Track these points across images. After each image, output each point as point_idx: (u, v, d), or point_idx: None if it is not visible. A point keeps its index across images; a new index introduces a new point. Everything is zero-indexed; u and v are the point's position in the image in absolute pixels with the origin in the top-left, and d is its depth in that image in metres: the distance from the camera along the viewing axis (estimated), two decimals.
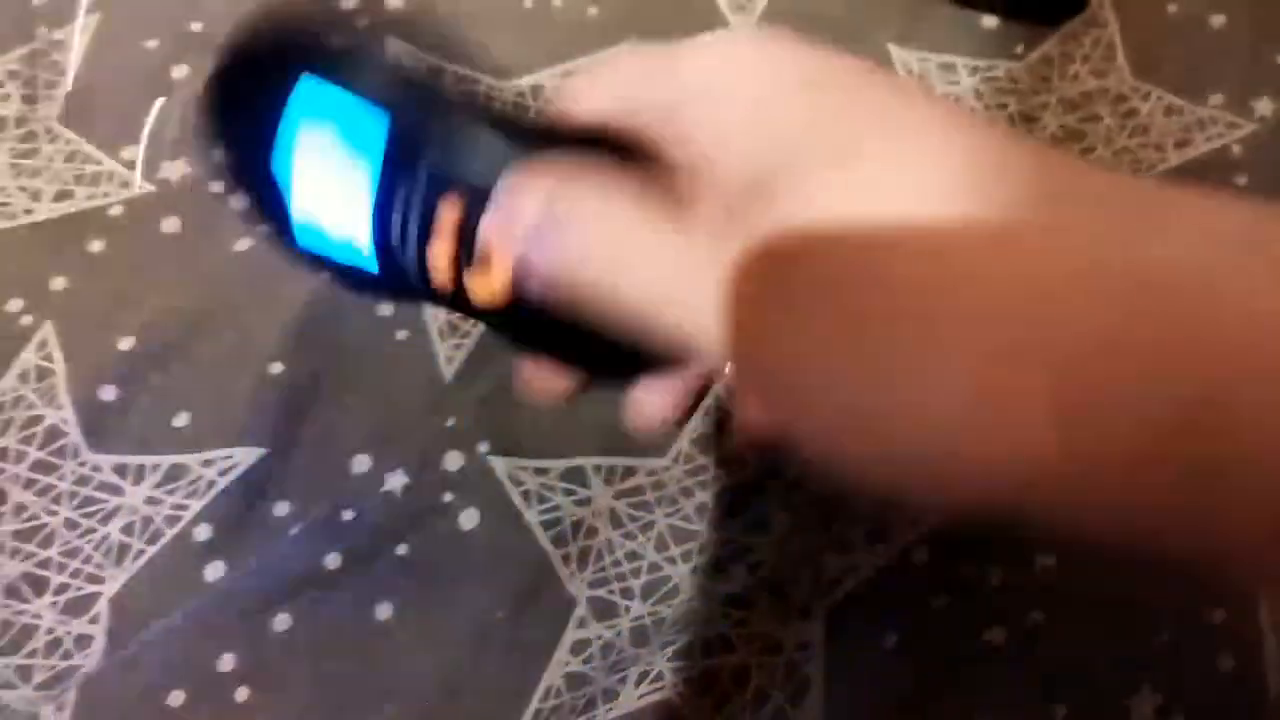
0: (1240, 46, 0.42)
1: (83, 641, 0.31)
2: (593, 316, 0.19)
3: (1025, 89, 0.41)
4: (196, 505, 0.33)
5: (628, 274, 0.18)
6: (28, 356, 0.35)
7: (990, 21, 0.43)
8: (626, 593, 0.33)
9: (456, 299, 0.21)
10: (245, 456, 0.34)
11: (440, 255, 0.22)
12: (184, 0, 0.42)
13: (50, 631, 0.31)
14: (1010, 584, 0.33)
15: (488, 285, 0.21)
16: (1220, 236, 0.15)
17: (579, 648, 0.32)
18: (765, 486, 0.34)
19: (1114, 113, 0.40)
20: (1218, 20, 0.42)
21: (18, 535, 0.33)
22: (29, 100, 0.40)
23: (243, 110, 0.23)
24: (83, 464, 0.33)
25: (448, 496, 0.34)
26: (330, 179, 0.22)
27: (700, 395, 0.25)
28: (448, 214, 0.21)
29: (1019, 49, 0.42)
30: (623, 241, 0.18)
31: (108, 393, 0.34)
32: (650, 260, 0.18)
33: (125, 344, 0.35)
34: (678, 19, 0.42)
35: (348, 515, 0.33)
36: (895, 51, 0.42)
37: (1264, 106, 0.40)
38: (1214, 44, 0.42)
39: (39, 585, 0.32)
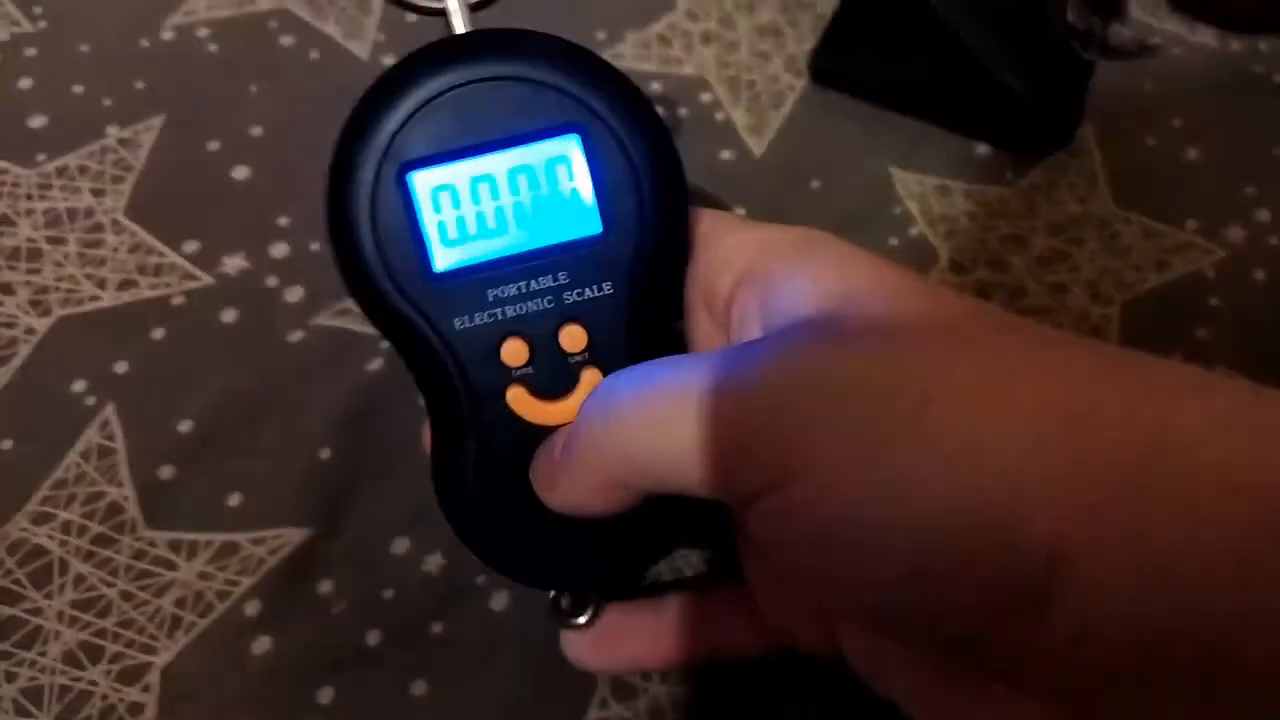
0: (1212, 178, 0.46)
1: (135, 709, 0.33)
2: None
3: (1014, 212, 0.45)
4: (247, 581, 0.35)
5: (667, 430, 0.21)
6: (90, 435, 0.37)
7: (983, 149, 0.47)
8: (645, 675, 0.35)
9: None
10: (293, 536, 0.36)
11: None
12: (245, 107, 0.45)
13: (104, 698, 0.33)
14: None
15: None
16: None
17: None
18: None
19: (1097, 236, 0.44)
20: (1192, 153, 0.46)
21: (76, 605, 0.35)
22: (97, 193, 0.43)
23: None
24: (140, 539, 0.36)
25: (480, 579, 0.36)
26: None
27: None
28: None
29: (1009, 175, 0.46)
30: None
31: (166, 472, 0.37)
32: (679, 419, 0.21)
33: (184, 426, 0.37)
34: (698, 131, 0.46)
35: (388, 594, 0.35)
36: (896, 173, 0.46)
37: (1235, 234, 0.44)
38: (1189, 175, 0.46)
39: (95, 654, 0.34)
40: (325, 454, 0.37)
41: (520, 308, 0.24)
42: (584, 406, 0.23)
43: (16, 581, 0.35)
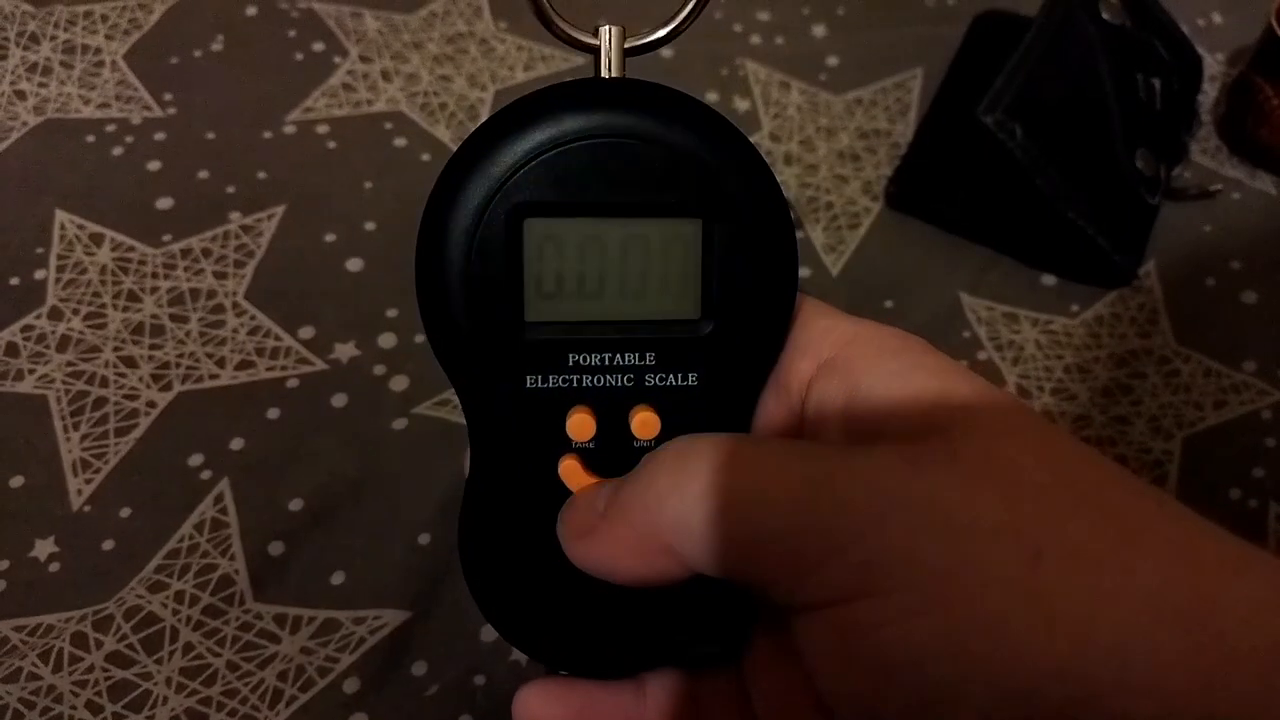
0: (1270, 321, 0.48)
1: None
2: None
3: (1079, 343, 0.47)
4: (346, 659, 0.37)
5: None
6: (205, 508, 0.40)
7: (1050, 280, 0.49)
8: None
9: None
10: (392, 618, 0.38)
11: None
12: (360, 202, 0.48)
13: None
14: None
15: None
16: None
17: None
18: None
19: (1158, 371, 0.46)
20: (1249, 296, 0.49)
21: (184, 672, 0.36)
22: (219, 276, 0.46)
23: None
24: (247, 611, 0.38)
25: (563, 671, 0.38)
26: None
27: None
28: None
29: (1074, 308, 0.48)
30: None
31: (276, 548, 0.39)
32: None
33: (294, 505, 0.40)
34: None
35: (479, 680, 0.37)
36: (965, 298, 0.48)
37: None
38: (1247, 316, 0.48)
39: None
40: (424, 539, 0.39)
41: (598, 379, 0.23)
42: (655, 460, 0.20)
43: (130, 646, 0.37)
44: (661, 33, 0.23)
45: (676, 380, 0.23)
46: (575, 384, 0.23)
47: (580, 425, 0.23)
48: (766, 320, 0.23)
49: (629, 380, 0.23)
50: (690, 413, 0.23)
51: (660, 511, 0.19)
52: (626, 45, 0.23)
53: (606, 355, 0.23)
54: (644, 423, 0.23)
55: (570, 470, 0.23)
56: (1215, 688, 0.15)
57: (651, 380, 0.23)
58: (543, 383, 0.23)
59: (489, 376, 0.22)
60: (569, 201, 0.22)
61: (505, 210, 0.21)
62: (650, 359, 0.23)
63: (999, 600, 0.16)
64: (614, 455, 0.23)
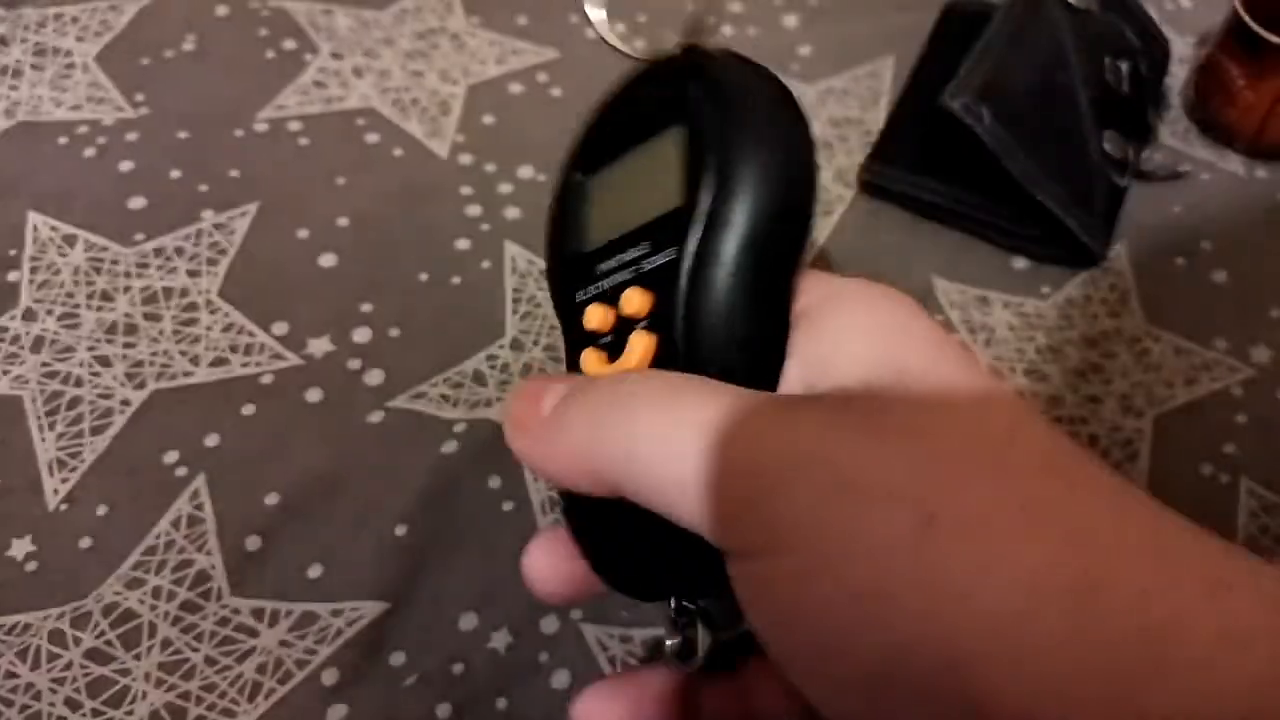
0: (1239, 300, 0.48)
1: None
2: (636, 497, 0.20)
3: (1051, 324, 0.47)
4: (325, 651, 0.37)
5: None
6: (181, 505, 0.40)
7: (1021, 263, 0.49)
8: None
9: None
10: (369, 609, 0.38)
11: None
12: (333, 198, 0.49)
13: None
14: None
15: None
16: None
17: None
18: None
19: (1129, 351, 0.47)
20: (1219, 276, 0.49)
21: (163, 667, 0.37)
22: (192, 274, 0.46)
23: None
24: (224, 606, 0.38)
25: (544, 656, 0.38)
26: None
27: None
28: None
29: (1045, 289, 0.49)
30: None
31: (253, 543, 0.39)
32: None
33: (271, 500, 0.40)
34: None
35: (457, 669, 0.37)
36: (938, 282, 0.49)
37: (1260, 354, 0.47)
38: (1217, 296, 0.49)
39: (179, 715, 0.36)
40: (401, 531, 0.40)
41: (613, 280, 0.25)
42: (601, 384, 0.21)
43: (108, 642, 0.37)
44: None
45: (661, 259, 0.24)
46: (600, 288, 0.26)
47: (593, 317, 0.25)
48: (750, 193, 0.23)
49: (631, 272, 0.25)
50: (675, 287, 0.23)
51: (594, 442, 0.20)
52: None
53: (617, 258, 0.25)
54: (629, 301, 0.24)
55: (587, 360, 0.25)
56: (1089, 670, 0.15)
57: (646, 266, 0.24)
58: (582, 293, 0.26)
59: (562, 301, 0.27)
60: (609, 154, 0.27)
61: (564, 175, 0.28)
62: (645, 247, 0.24)
63: (885, 565, 0.17)
64: (620, 340, 0.25)
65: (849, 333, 0.21)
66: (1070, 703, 0.15)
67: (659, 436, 0.19)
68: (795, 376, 0.21)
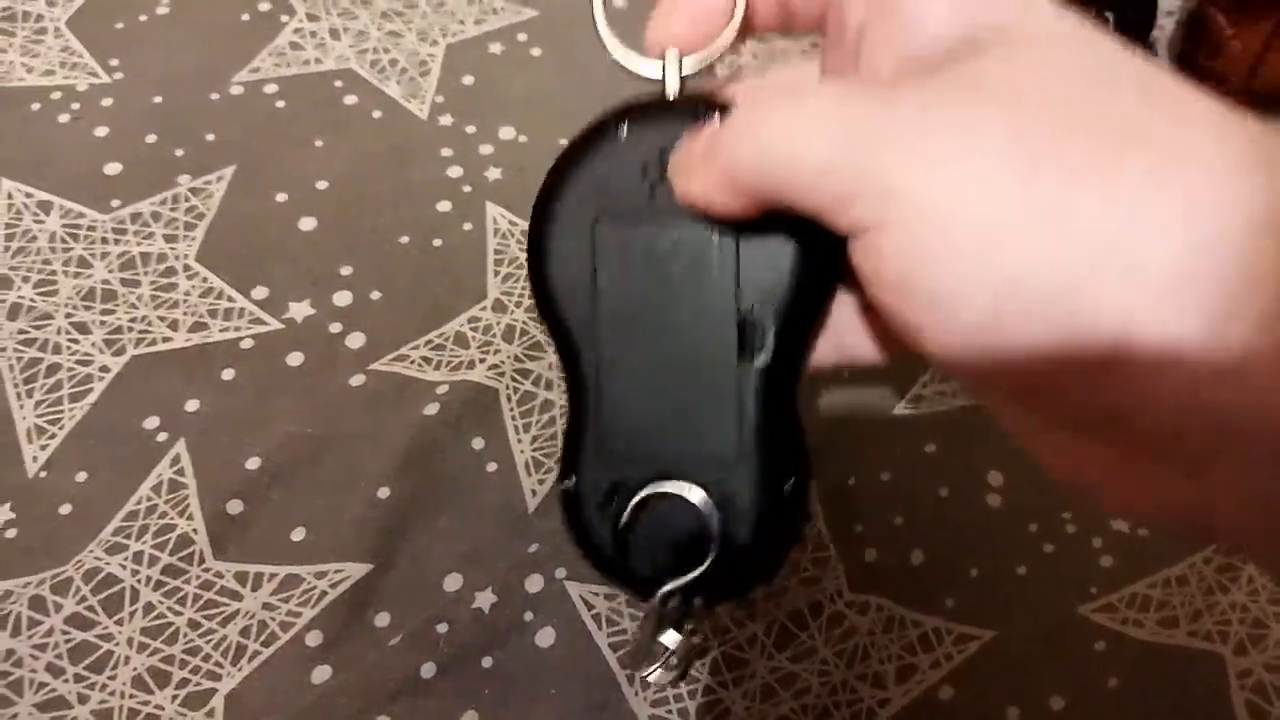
0: None
1: None
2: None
3: None
4: (308, 613, 0.37)
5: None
6: (162, 470, 0.39)
7: None
8: (683, 714, 0.37)
9: None
10: (353, 571, 0.38)
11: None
12: (311, 161, 0.48)
13: None
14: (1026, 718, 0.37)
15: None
16: None
17: None
18: (808, 621, 0.39)
19: None
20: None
21: (145, 632, 0.36)
22: (169, 239, 0.45)
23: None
24: (207, 570, 0.38)
25: (528, 615, 0.38)
26: None
27: None
28: None
29: None
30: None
31: (234, 507, 0.39)
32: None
33: (252, 464, 0.39)
34: None
35: (441, 629, 0.37)
36: None
37: None
38: None
39: (162, 679, 0.36)
40: (384, 493, 0.39)
41: None
42: (737, 113, 0.22)
43: (90, 608, 0.37)
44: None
45: None
46: None
47: None
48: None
49: None
50: None
51: (746, 156, 0.21)
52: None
53: None
54: None
55: None
56: (1195, 274, 0.17)
57: None
58: None
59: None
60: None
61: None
62: None
63: (997, 213, 0.18)
64: None
65: (933, 5, 0.21)
66: (1174, 308, 0.17)
67: (796, 136, 0.20)
68: (885, 54, 0.22)
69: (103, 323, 0.43)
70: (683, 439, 0.25)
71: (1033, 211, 0.18)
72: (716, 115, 0.23)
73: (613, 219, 0.24)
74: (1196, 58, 0.53)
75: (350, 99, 0.50)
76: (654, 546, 0.25)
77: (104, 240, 0.45)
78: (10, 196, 0.46)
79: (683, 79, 0.25)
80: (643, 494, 0.25)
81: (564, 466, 0.26)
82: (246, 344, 0.42)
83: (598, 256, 0.25)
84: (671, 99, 0.25)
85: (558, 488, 0.26)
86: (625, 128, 0.24)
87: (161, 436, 0.40)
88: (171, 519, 0.38)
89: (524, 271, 0.46)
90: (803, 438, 0.26)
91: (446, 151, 0.49)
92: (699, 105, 0.24)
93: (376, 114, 0.50)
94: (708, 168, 0.22)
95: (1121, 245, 0.17)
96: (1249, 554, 0.20)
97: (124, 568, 0.37)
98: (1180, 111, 0.19)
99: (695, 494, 0.25)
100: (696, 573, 0.25)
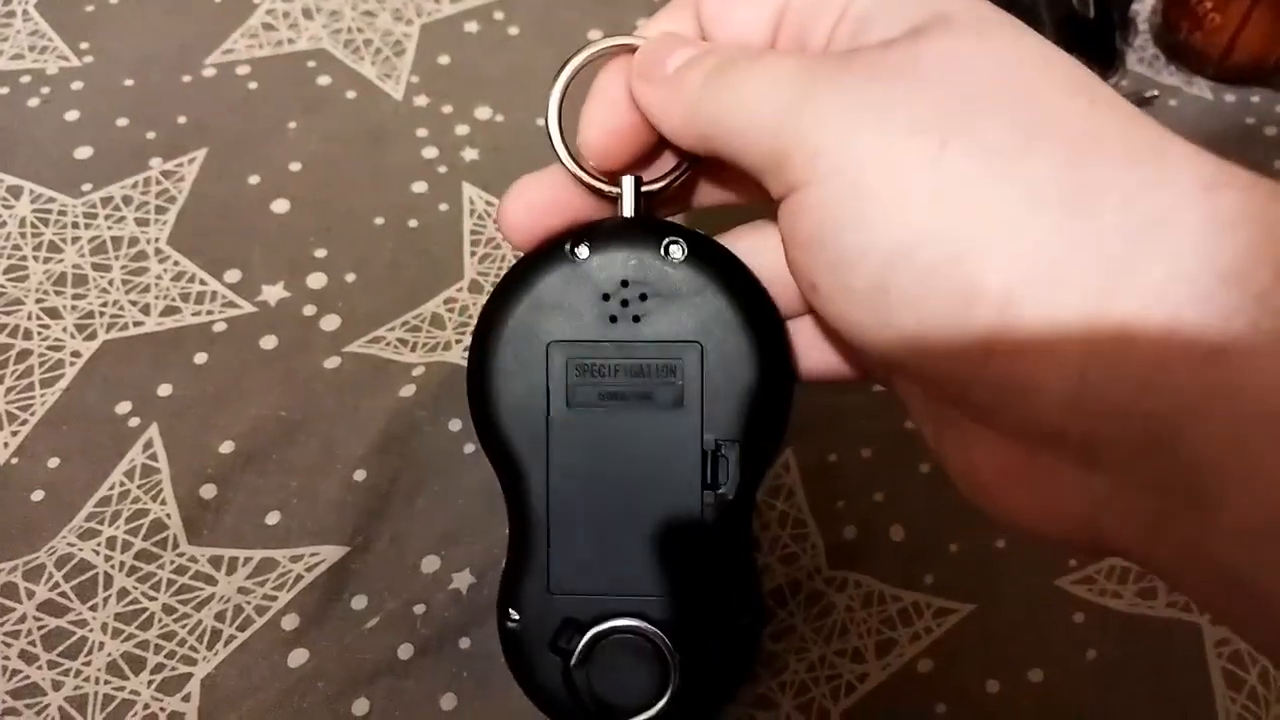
0: None
1: (176, 718, 0.35)
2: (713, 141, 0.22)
3: None
4: (284, 597, 0.37)
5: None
6: (135, 455, 0.39)
7: None
8: None
9: None
10: (329, 554, 0.37)
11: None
12: (284, 143, 0.47)
13: (146, 708, 0.35)
14: (1005, 694, 0.37)
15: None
16: None
17: None
18: (787, 598, 0.38)
19: None
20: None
21: (120, 617, 0.36)
22: (141, 223, 0.45)
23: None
24: (181, 554, 0.37)
25: None
26: None
27: None
28: None
29: None
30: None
31: (208, 491, 0.38)
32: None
33: (225, 448, 0.39)
34: None
35: (419, 610, 0.37)
36: None
37: None
38: None
39: (137, 664, 0.35)
40: (359, 475, 0.39)
41: None
42: (719, 56, 0.23)
43: (63, 594, 0.36)
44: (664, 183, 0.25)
45: None
46: None
47: None
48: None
49: None
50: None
51: (704, 102, 0.22)
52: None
53: None
54: None
55: None
56: (1075, 257, 0.17)
57: None
58: None
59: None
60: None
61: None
62: None
63: (903, 181, 0.19)
64: None
65: None
66: (1054, 283, 0.17)
67: (750, 96, 0.21)
68: (845, 33, 0.22)
69: (74, 308, 0.42)
70: (638, 573, 0.24)
71: (935, 186, 0.18)
72: (681, 245, 0.24)
73: (571, 343, 0.24)
74: (1176, 32, 0.53)
75: (324, 80, 0.50)
76: (606, 686, 0.24)
77: (75, 225, 0.45)
78: None
79: (638, 198, 0.24)
80: (594, 631, 0.24)
81: (504, 599, 0.25)
82: (219, 327, 0.42)
83: (551, 379, 0.24)
84: (630, 218, 0.24)
85: (497, 623, 0.25)
86: (585, 249, 0.24)
87: (134, 421, 0.40)
88: (145, 504, 0.38)
89: (501, 251, 0.45)
90: (757, 572, 0.25)
91: (422, 132, 0.49)
92: (662, 234, 0.24)
93: (351, 95, 0.49)
94: (671, 94, 0.23)
95: (1012, 223, 0.18)
96: (1143, 566, 0.20)
97: (97, 553, 0.37)
98: (1095, 106, 0.19)
99: (652, 632, 0.24)
100: (653, 711, 0.24)
